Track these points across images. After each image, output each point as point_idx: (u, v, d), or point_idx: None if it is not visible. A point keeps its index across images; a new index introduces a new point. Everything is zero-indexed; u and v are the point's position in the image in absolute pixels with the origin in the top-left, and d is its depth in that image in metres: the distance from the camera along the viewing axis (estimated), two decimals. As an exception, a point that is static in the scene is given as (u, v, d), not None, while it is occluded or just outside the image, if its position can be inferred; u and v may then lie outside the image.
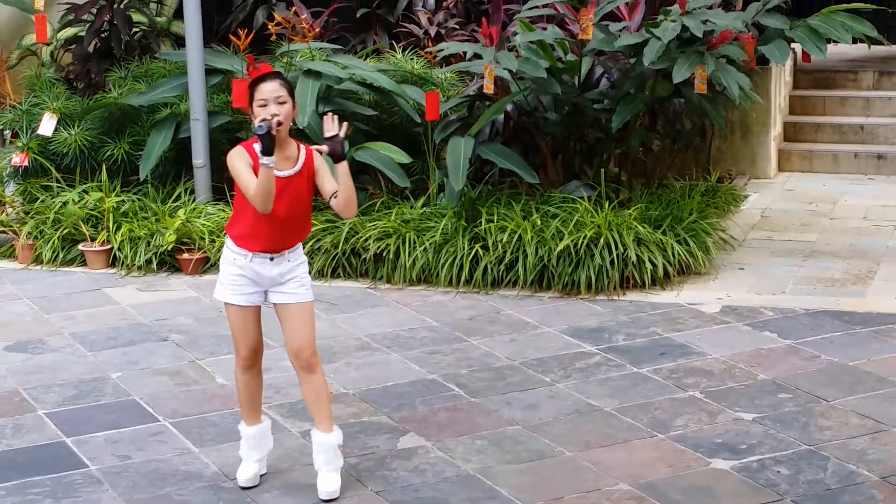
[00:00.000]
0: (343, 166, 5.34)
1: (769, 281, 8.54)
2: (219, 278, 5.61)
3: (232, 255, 5.52)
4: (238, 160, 5.39)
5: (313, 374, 5.55)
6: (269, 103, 5.29)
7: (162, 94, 9.75)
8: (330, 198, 5.45)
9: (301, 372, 5.57)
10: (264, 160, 5.21)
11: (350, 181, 5.38)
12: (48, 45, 11.16)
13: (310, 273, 5.64)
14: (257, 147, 5.30)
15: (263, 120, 5.21)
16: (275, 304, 5.55)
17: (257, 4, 11.76)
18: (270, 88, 5.32)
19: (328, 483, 5.53)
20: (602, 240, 8.30)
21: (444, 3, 11.20)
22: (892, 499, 5.40)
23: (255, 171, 5.30)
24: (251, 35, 9.75)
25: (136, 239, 9.14)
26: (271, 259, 5.46)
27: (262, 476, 5.71)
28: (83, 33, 11.03)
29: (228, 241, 5.54)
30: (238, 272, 5.50)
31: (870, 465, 5.72)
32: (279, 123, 5.25)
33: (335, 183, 5.43)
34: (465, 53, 9.54)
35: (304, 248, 8.63)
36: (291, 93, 5.37)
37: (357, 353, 7.35)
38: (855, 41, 10.72)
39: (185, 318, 8.07)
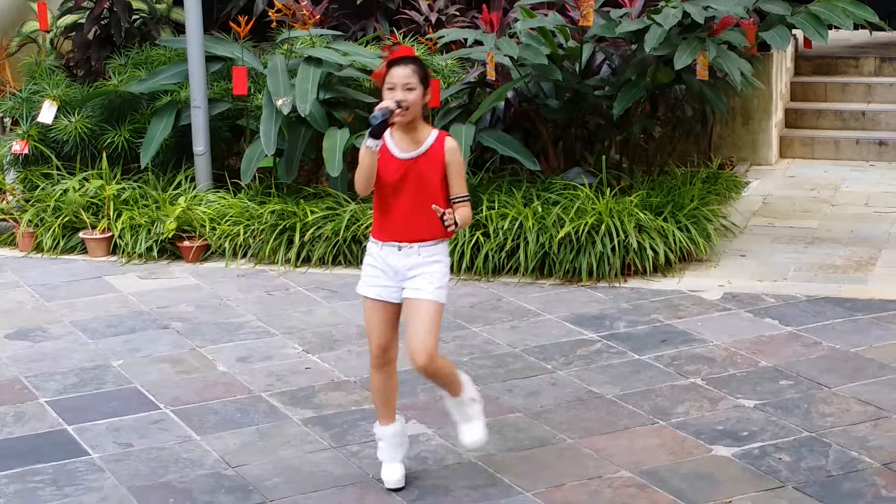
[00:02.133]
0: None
1: (770, 268, 8.54)
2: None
3: (369, 246, 5.43)
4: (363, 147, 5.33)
5: (428, 379, 5.48)
6: (397, 88, 5.18)
7: (162, 82, 9.75)
8: (458, 199, 5.31)
9: (417, 371, 5.43)
10: (368, 142, 5.15)
11: (363, 160, 5.27)
12: (48, 32, 11.15)
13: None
14: (387, 135, 5.26)
15: (381, 108, 5.11)
16: (403, 299, 5.37)
17: (257, -9, 11.75)
18: (401, 74, 5.19)
19: (466, 433, 5.51)
20: (603, 227, 8.29)
21: (445, -10, 11.19)
22: (894, 485, 5.40)
23: (381, 157, 5.25)
24: (251, 22, 9.74)
25: (137, 226, 9.13)
26: (399, 249, 5.31)
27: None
28: (83, 20, 11.03)
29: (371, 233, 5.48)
30: (370, 262, 5.39)
31: (871, 452, 5.71)
32: (406, 108, 5.15)
33: (465, 187, 5.33)
34: (465, 40, 9.52)
35: (305, 235, 8.67)
36: (424, 79, 5.23)
37: (358, 341, 7.34)
38: (856, 27, 10.69)
39: (186, 305, 8.07)
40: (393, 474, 5.48)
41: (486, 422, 5.57)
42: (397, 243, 5.31)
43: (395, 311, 5.41)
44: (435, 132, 5.32)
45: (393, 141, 5.30)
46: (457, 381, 5.50)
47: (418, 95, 5.21)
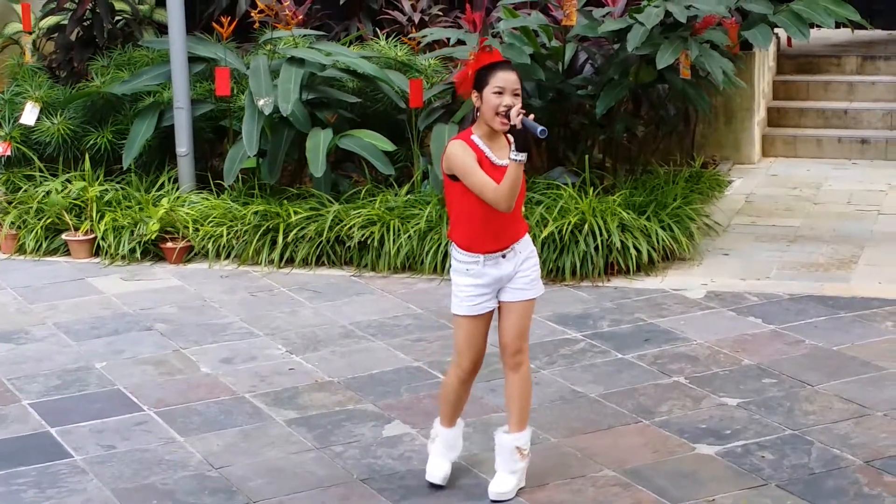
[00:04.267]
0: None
1: (753, 266, 8.55)
2: (453, 291, 5.31)
3: (464, 266, 5.24)
4: (465, 157, 5.08)
5: (516, 372, 5.34)
6: (506, 93, 5.01)
7: (145, 83, 9.73)
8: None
9: (506, 368, 5.38)
10: (519, 157, 4.95)
11: (515, 176, 5.04)
12: (30, 33, 11.12)
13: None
14: (477, 139, 5.11)
15: (532, 118, 4.96)
16: (500, 301, 5.30)
17: (240, -8, 11.73)
18: (512, 79, 5.03)
19: (497, 483, 5.35)
20: (586, 226, 8.30)
21: (428, -10, 11.18)
22: (876, 482, 5.42)
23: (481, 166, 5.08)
24: (234, 23, 9.72)
25: (120, 228, 9.11)
26: (503, 257, 5.21)
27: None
28: (65, 22, 11.00)
29: (456, 251, 5.27)
30: (473, 282, 5.22)
31: (854, 450, 5.73)
32: (526, 114, 5.01)
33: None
34: (448, 40, 9.53)
35: (288, 235, 8.67)
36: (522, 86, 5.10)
37: (342, 341, 7.35)
38: (838, 26, 10.72)
39: (169, 307, 8.06)
40: (439, 470, 5.46)
41: (515, 477, 5.41)
42: (502, 251, 5.21)
43: (490, 320, 5.35)
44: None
45: (489, 150, 5.14)
46: (523, 415, 5.39)
47: (520, 101, 5.08)
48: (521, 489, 5.41)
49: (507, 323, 5.32)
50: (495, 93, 5.04)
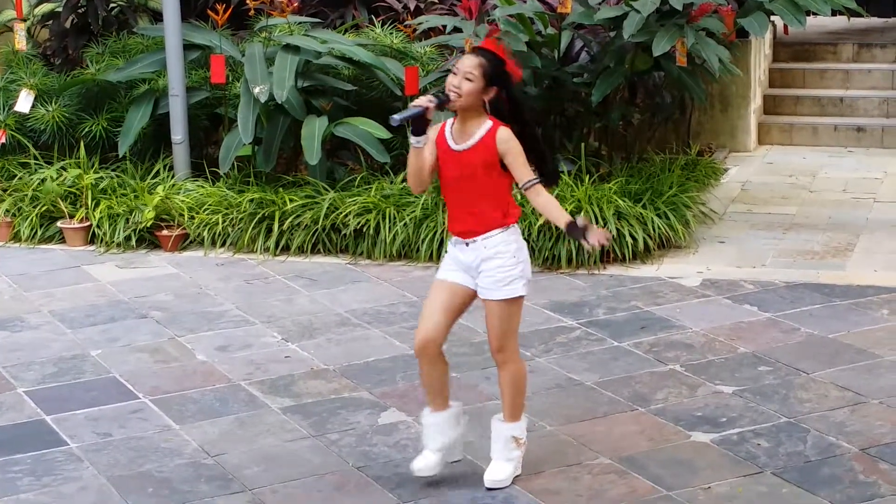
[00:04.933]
0: (555, 216, 5.25)
1: (749, 254, 8.55)
2: None
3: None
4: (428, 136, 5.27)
5: (503, 369, 5.36)
6: (458, 74, 5.11)
7: (140, 70, 9.71)
8: (523, 186, 5.20)
9: (496, 363, 5.42)
10: (411, 139, 5.12)
11: (546, 214, 5.28)
12: (25, 21, 11.08)
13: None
14: (451, 123, 5.24)
15: (413, 106, 5.08)
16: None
17: (236, -21, 11.70)
18: (467, 63, 5.13)
19: (493, 471, 5.36)
20: (582, 214, 8.30)
21: (424, -23, 11.16)
22: (871, 470, 5.43)
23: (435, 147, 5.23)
24: (230, 10, 9.70)
25: (115, 216, 9.10)
26: (466, 245, 5.24)
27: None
28: (60, 9, 10.97)
29: None
30: (450, 250, 5.36)
31: (849, 437, 5.74)
32: (445, 99, 5.09)
33: (528, 173, 5.20)
34: (444, 27, 9.51)
35: (284, 223, 8.65)
36: (490, 75, 5.10)
37: (338, 329, 7.34)
38: (834, 13, 10.71)
39: (164, 294, 8.05)
40: (419, 461, 5.41)
41: (513, 466, 5.41)
42: (464, 239, 5.26)
43: (451, 298, 5.31)
44: (489, 124, 5.18)
45: (451, 134, 5.24)
46: (516, 404, 5.39)
47: (475, 87, 5.10)
48: (516, 477, 5.41)
49: (487, 322, 5.35)
50: (451, 73, 5.16)
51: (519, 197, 6.65)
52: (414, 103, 5.13)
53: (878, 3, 13.93)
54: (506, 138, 5.19)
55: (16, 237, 9.30)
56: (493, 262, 5.23)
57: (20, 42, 10.52)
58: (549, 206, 5.23)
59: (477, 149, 5.18)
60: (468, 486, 5.38)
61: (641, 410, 6.11)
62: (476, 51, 5.22)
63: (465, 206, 5.24)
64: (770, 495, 5.27)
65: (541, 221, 8.23)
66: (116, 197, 9.24)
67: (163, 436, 5.97)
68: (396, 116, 5.11)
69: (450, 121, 5.27)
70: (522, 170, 5.21)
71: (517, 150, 5.20)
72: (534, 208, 5.52)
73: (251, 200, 8.92)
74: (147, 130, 9.65)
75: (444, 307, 5.32)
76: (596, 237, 5.11)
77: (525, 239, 8.20)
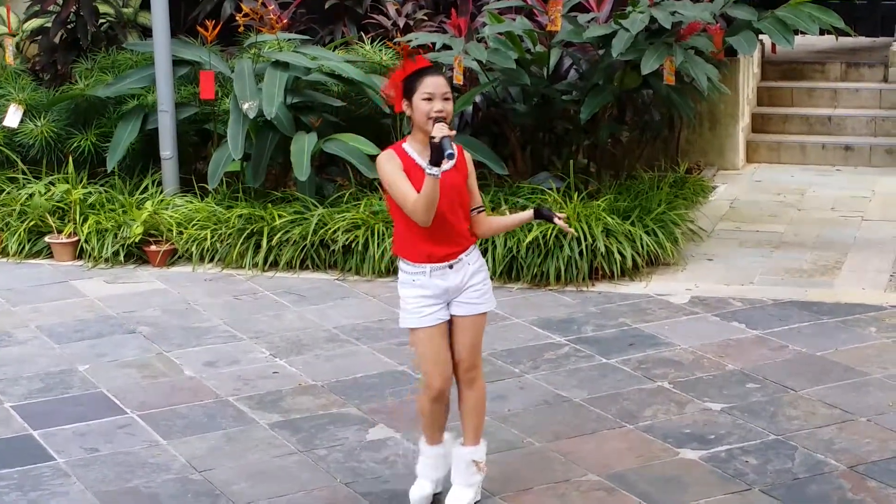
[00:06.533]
0: (518, 216, 5.30)
1: (737, 272, 8.57)
2: (402, 305, 5.17)
3: (410, 277, 5.12)
4: (389, 166, 4.98)
5: (471, 388, 5.24)
6: (436, 99, 4.92)
7: (129, 86, 9.71)
8: (477, 210, 5.16)
9: (460, 384, 5.25)
10: (433, 171, 4.83)
11: (506, 227, 5.36)
12: (14, 36, 11.09)
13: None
14: (410, 147, 5.02)
15: (445, 136, 4.84)
16: (452, 315, 5.17)
17: (225, -5, 11.72)
18: (439, 83, 4.93)
19: (454, 497, 5.25)
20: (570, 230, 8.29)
21: (413, -6, 11.19)
22: (860, 488, 5.43)
23: (408, 175, 4.97)
24: (219, 26, 9.70)
25: (104, 231, 9.09)
26: (450, 267, 5.08)
27: (435, 494, 5.35)
28: (49, 24, 10.97)
29: (402, 262, 5.14)
30: (421, 293, 5.09)
31: (837, 455, 5.74)
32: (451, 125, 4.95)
33: (479, 200, 5.19)
34: (434, 44, 9.53)
35: (273, 239, 8.65)
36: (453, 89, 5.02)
37: (326, 345, 7.33)
38: (822, 32, 10.75)
39: (152, 310, 8.04)
40: (417, 491, 5.33)
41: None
42: (448, 262, 5.08)
43: (447, 331, 5.19)
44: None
45: (419, 155, 5.02)
46: (478, 428, 5.31)
47: (451, 106, 5.00)
48: (503, 495, 5.40)
49: (459, 338, 5.21)
50: (425, 99, 4.95)
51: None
52: (443, 135, 4.87)
53: (866, 22, 13.99)
54: (470, 157, 5.21)
55: (3, 252, 9.29)
56: (479, 275, 5.19)
57: (9, 57, 10.53)
58: (501, 218, 5.30)
59: (458, 167, 5.10)
60: (456, 503, 5.37)
61: (630, 427, 6.10)
62: (431, 70, 5.02)
63: (451, 227, 5.09)
64: (758, 512, 5.28)
65: (529, 238, 8.24)
66: (105, 212, 9.23)
67: (150, 451, 5.96)
68: (446, 142, 4.85)
69: (404, 145, 5.07)
70: (476, 194, 5.21)
71: (474, 174, 5.22)
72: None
73: (240, 216, 8.92)
74: (136, 146, 9.65)
75: (446, 349, 5.19)
76: (560, 216, 5.20)
77: (513, 255, 8.32)
